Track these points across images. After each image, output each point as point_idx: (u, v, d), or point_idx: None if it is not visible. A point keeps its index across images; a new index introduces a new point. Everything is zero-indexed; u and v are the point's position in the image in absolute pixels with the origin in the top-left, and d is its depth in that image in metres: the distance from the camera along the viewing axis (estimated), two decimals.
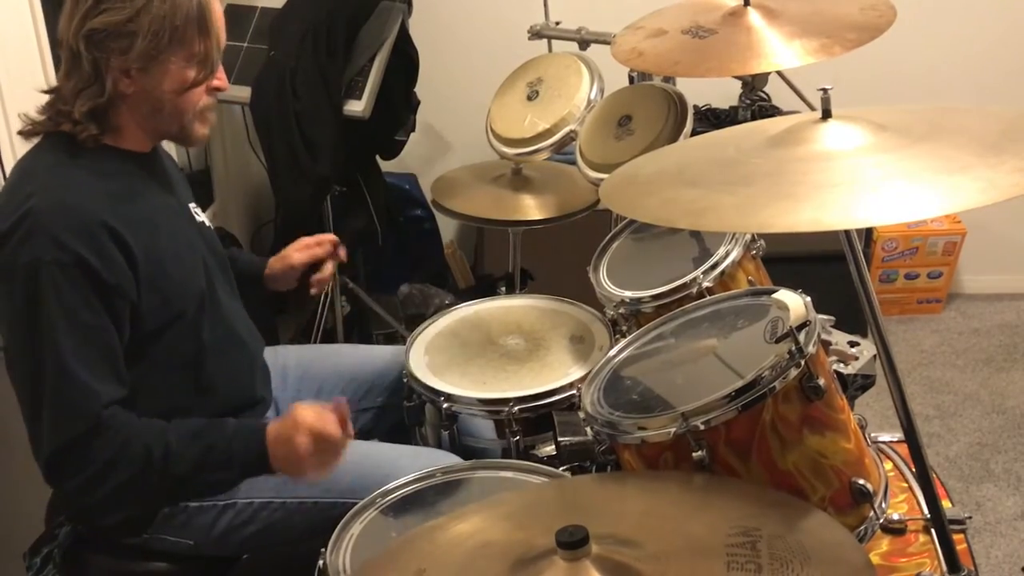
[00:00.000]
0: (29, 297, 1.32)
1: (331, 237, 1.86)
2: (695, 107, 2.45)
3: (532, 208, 2.15)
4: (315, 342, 2.74)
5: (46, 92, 1.45)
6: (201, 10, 1.40)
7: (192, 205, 1.62)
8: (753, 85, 1.89)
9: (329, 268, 1.85)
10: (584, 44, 2.20)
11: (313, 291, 1.85)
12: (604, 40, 2.04)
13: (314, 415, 1.39)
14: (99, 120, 1.41)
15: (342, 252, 1.86)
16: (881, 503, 1.22)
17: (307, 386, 1.80)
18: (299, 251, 1.83)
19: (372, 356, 1.89)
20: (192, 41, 1.40)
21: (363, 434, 1.86)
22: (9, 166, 1.86)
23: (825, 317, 1.42)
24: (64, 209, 1.34)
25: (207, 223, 1.64)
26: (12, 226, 1.33)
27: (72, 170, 1.39)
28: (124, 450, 1.35)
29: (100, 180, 1.40)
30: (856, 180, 1.03)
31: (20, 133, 1.46)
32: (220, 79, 1.49)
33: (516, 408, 1.59)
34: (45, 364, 1.32)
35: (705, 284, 1.54)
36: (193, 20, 1.39)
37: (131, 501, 1.41)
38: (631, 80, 2.06)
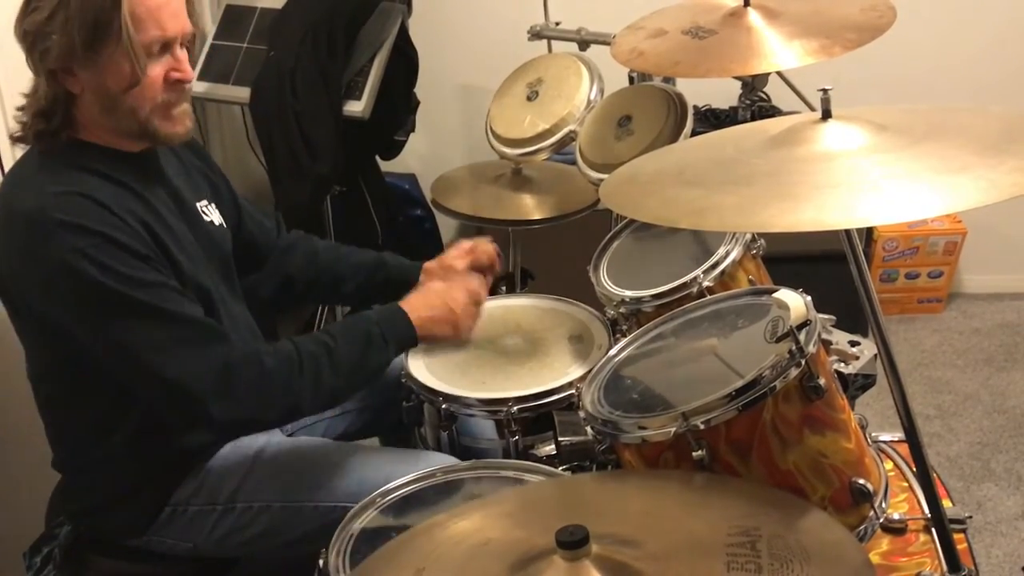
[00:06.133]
0: (85, 289, 1.29)
1: (489, 248, 1.84)
2: (695, 107, 2.45)
3: (532, 208, 2.15)
4: None
5: (25, 95, 1.42)
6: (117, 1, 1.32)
7: (202, 204, 1.58)
8: (753, 85, 1.90)
9: (488, 280, 1.82)
10: (584, 44, 2.20)
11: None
12: (604, 40, 2.04)
13: (464, 279, 1.64)
14: (50, 118, 1.38)
15: (498, 264, 1.87)
16: (881, 503, 1.22)
17: None
18: (460, 258, 1.81)
19: None
20: (117, 33, 1.31)
21: (364, 432, 1.86)
22: (9, 166, 1.86)
23: (826, 317, 1.42)
24: (62, 198, 1.32)
25: (218, 223, 1.60)
26: (19, 231, 1.32)
27: (63, 168, 1.37)
28: (290, 352, 1.42)
29: (92, 176, 1.38)
30: (856, 180, 1.03)
31: (12, 138, 1.44)
32: (180, 70, 1.40)
33: (515, 408, 1.59)
34: (150, 326, 1.32)
35: (705, 284, 1.54)
36: (112, 11, 1.31)
37: (320, 402, 1.47)
38: (631, 80, 2.06)
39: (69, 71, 1.35)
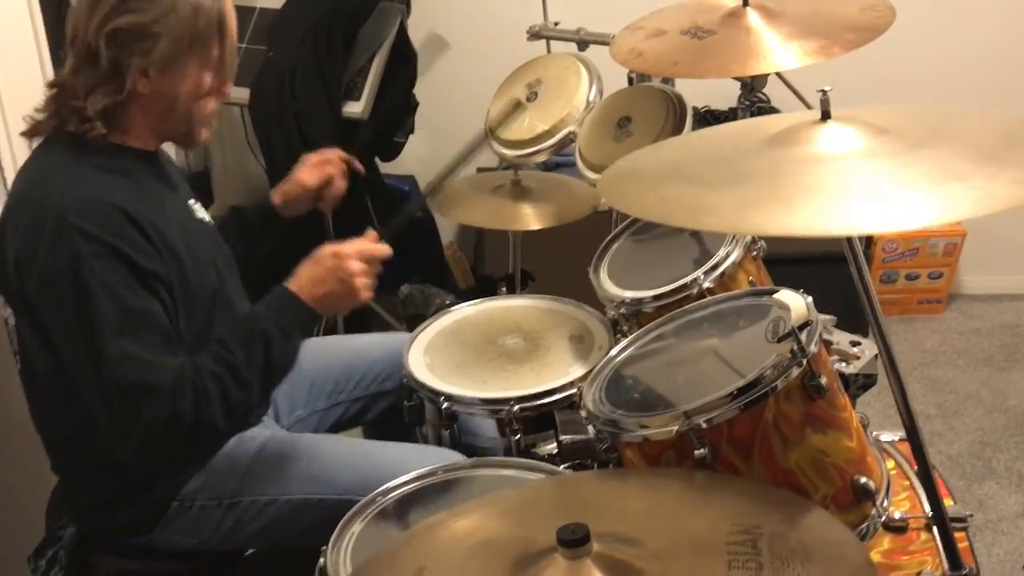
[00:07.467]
0: (79, 295, 1.30)
1: (339, 154, 1.86)
2: (694, 108, 2.45)
3: (531, 218, 2.14)
4: None
5: (51, 85, 1.43)
6: (221, 16, 1.42)
7: (192, 202, 1.61)
8: (752, 86, 1.90)
9: (341, 185, 1.85)
10: (583, 45, 2.20)
11: (324, 208, 1.87)
12: (603, 41, 2.04)
13: (344, 244, 1.46)
14: (110, 118, 1.40)
15: (357, 164, 1.88)
16: (883, 501, 1.22)
17: (299, 378, 1.76)
18: (309, 171, 1.83)
19: (366, 345, 1.90)
20: (211, 47, 1.42)
21: (356, 421, 1.86)
22: (8, 167, 1.86)
23: (827, 317, 1.42)
24: (84, 204, 1.33)
25: (207, 219, 1.64)
26: (33, 226, 1.33)
27: (84, 168, 1.39)
28: (194, 381, 1.33)
29: (112, 176, 1.40)
30: (852, 187, 1.02)
31: (23, 134, 1.45)
32: (228, 85, 1.50)
33: (517, 407, 1.59)
34: (107, 354, 1.30)
35: (706, 285, 1.54)
36: (214, 25, 1.41)
37: (234, 420, 1.40)
38: (630, 81, 2.06)
39: (146, 73, 1.39)
